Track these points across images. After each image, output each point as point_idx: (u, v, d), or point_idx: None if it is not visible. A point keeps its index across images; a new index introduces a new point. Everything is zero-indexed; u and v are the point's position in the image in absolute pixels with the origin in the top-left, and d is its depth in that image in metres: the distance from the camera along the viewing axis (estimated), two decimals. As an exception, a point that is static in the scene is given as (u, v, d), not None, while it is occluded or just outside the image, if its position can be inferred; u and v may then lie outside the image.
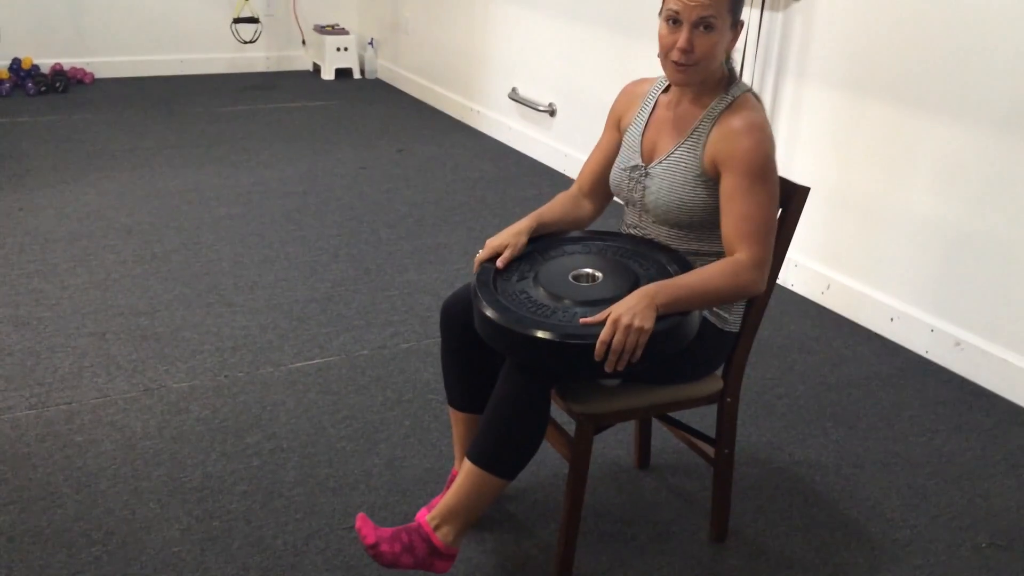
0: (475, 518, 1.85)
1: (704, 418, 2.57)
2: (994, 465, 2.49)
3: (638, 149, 1.96)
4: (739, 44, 1.95)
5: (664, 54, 1.83)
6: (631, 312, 1.65)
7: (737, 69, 1.94)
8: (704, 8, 1.76)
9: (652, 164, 1.92)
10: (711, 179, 1.85)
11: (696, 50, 1.79)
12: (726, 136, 1.82)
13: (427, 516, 1.85)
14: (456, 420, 2.08)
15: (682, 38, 1.78)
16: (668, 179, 1.89)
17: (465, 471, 1.82)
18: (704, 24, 1.77)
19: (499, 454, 1.78)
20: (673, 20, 1.80)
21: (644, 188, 1.93)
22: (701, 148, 1.86)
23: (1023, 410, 2.77)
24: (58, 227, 3.77)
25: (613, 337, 1.64)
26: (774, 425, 2.63)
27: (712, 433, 2.09)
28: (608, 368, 1.66)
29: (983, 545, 2.18)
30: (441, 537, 1.83)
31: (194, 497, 2.21)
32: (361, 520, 1.82)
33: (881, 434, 2.61)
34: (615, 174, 2.01)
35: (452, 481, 2.12)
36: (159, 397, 2.61)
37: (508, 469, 1.80)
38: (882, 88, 3.09)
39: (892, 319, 3.15)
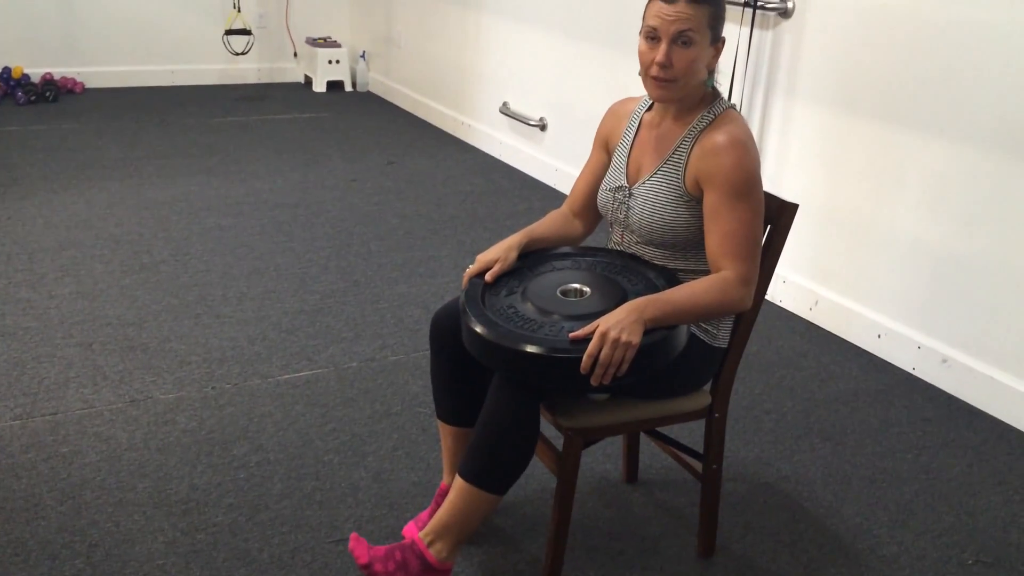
0: (468, 534, 1.85)
1: (692, 433, 2.57)
2: (981, 482, 2.50)
3: (624, 170, 1.97)
4: (728, 62, 1.96)
5: (644, 71, 1.84)
6: (619, 326, 1.66)
7: (726, 87, 1.95)
8: (682, 22, 1.76)
9: (636, 185, 1.93)
10: (694, 199, 1.86)
11: (675, 65, 1.79)
12: (708, 153, 1.82)
13: (420, 533, 1.85)
14: (445, 434, 2.08)
15: (660, 52, 1.78)
16: (651, 200, 1.89)
17: (457, 488, 1.81)
18: (682, 39, 1.78)
19: (490, 470, 1.78)
20: (652, 36, 1.81)
21: (628, 208, 1.93)
22: (683, 168, 1.86)
23: (1010, 427, 2.78)
24: (46, 236, 3.75)
25: (600, 351, 1.65)
26: (762, 441, 2.63)
27: (700, 448, 2.09)
28: (594, 382, 1.66)
29: (970, 562, 2.18)
30: (435, 553, 1.83)
31: (179, 509, 2.19)
32: (354, 540, 1.81)
33: (868, 450, 2.61)
34: (602, 194, 2.01)
35: (440, 495, 2.11)
36: (145, 408, 2.60)
37: (499, 485, 1.80)
38: (871, 106, 3.11)
39: (880, 336, 3.16)
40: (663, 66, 1.79)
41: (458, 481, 1.81)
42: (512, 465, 1.79)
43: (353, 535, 1.82)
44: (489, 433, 1.77)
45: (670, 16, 1.77)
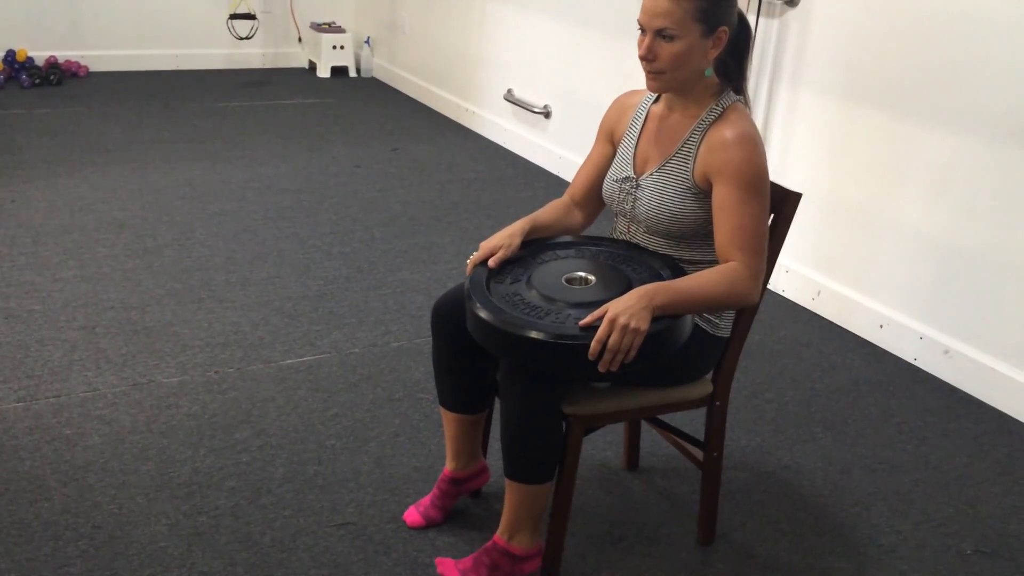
0: (539, 518, 1.90)
1: (693, 421, 2.58)
2: (981, 472, 2.51)
3: (631, 161, 1.97)
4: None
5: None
6: (628, 312, 1.66)
7: (748, 79, 1.95)
8: (661, 18, 1.79)
9: (643, 176, 1.94)
10: (702, 191, 1.87)
11: (658, 58, 1.82)
12: (717, 148, 1.83)
13: (497, 533, 1.92)
14: (447, 420, 2.09)
15: (643, 46, 1.83)
16: (658, 191, 1.90)
17: (508, 488, 1.87)
18: (664, 34, 1.80)
19: (530, 467, 1.83)
20: (641, 29, 1.85)
21: (635, 200, 1.94)
22: (691, 161, 1.87)
23: (1010, 418, 2.79)
24: (50, 220, 3.76)
25: (609, 336, 1.65)
26: (763, 430, 2.63)
27: (701, 436, 2.09)
28: (602, 368, 1.66)
29: (968, 552, 2.19)
30: (519, 545, 1.90)
31: (182, 492, 2.20)
32: (441, 564, 1.92)
33: (869, 440, 2.62)
34: (607, 185, 2.02)
35: (442, 481, 2.12)
36: (148, 392, 2.61)
37: (543, 474, 1.84)
38: (876, 96, 3.10)
39: (882, 326, 3.16)
40: (646, 59, 1.83)
41: (507, 482, 1.86)
42: (547, 454, 1.82)
43: (438, 560, 1.94)
44: (514, 433, 1.80)
45: (650, 11, 1.81)
